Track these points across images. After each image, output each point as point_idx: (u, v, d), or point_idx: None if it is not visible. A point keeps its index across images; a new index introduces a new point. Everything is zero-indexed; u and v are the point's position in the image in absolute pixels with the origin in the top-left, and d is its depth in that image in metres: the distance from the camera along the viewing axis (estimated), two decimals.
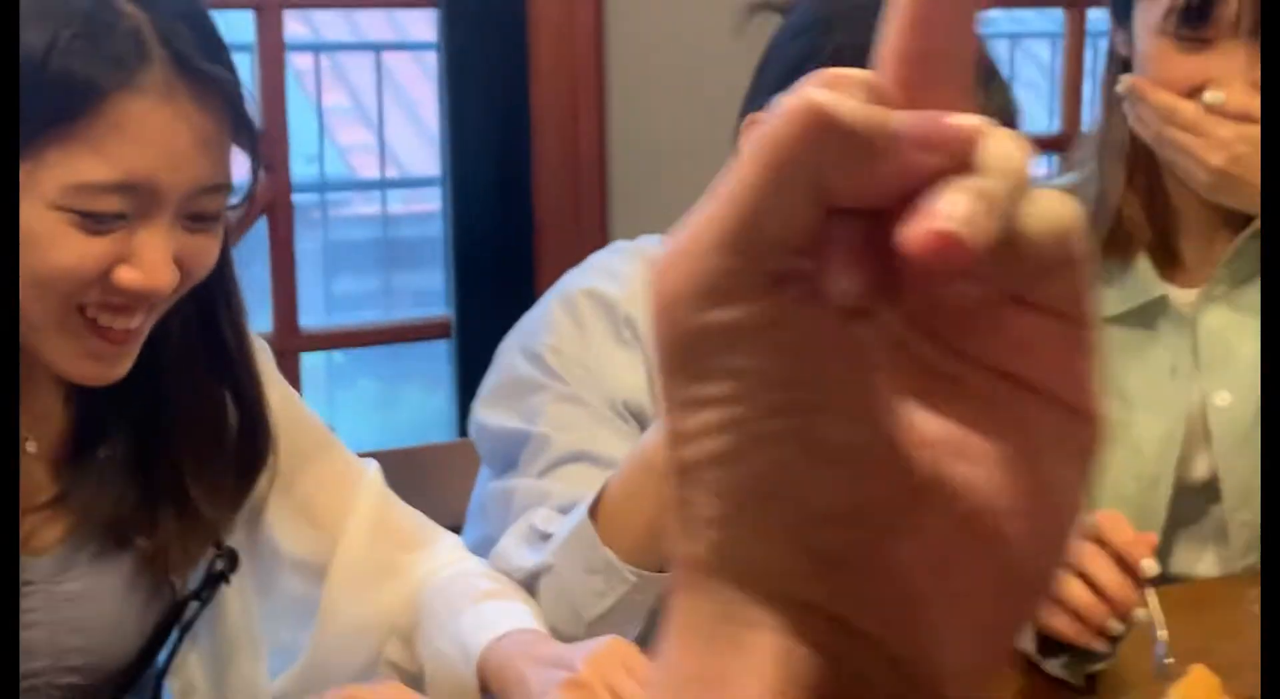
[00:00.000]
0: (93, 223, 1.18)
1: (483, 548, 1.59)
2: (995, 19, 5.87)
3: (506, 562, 1.49)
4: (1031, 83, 5.57)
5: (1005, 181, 0.39)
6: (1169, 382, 1.79)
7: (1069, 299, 0.42)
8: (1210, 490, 1.84)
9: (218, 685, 1.48)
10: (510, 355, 1.68)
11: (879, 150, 0.39)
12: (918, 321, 0.42)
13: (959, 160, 0.39)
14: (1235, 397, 1.76)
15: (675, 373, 0.41)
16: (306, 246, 4.48)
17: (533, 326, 1.68)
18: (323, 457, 1.49)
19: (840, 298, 0.41)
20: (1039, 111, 3.95)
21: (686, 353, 0.41)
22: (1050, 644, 1.50)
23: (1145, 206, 1.80)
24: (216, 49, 1.25)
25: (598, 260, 1.74)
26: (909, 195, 0.39)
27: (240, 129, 1.27)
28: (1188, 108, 1.63)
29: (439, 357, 3.19)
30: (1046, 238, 0.40)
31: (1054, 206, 0.41)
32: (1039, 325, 0.42)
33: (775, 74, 1.62)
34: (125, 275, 1.20)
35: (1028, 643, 1.52)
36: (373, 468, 1.53)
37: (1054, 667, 1.50)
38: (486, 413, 1.67)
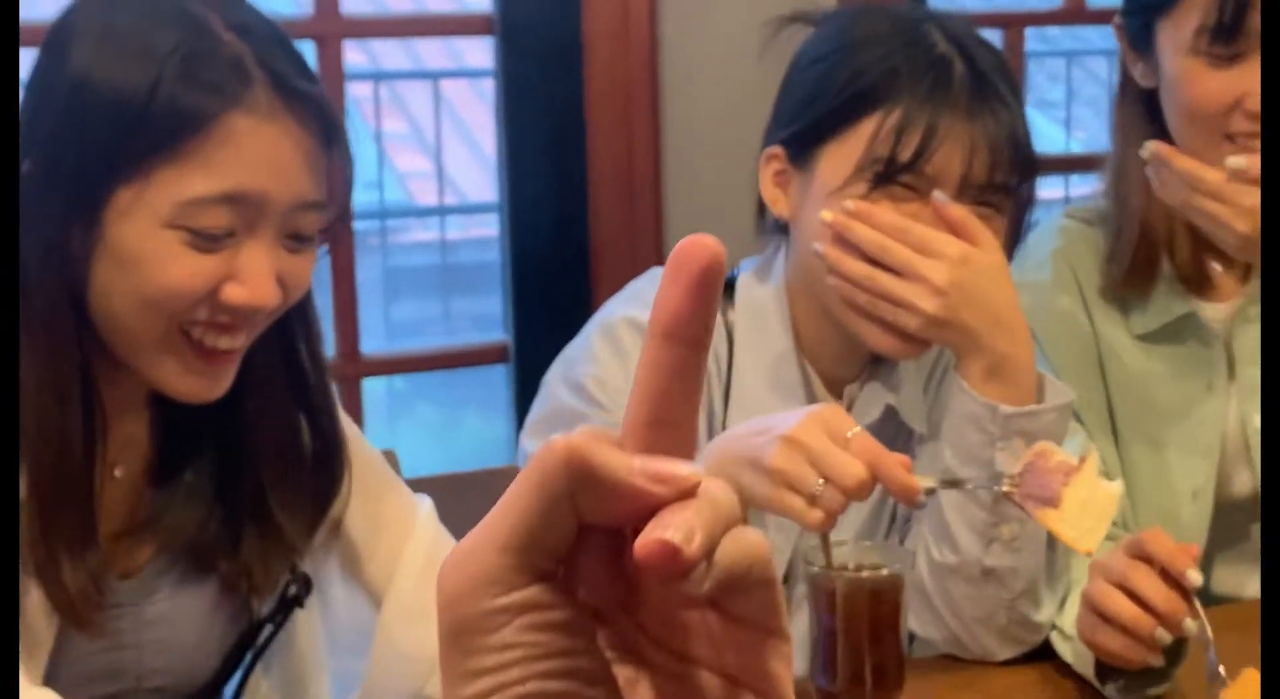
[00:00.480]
0: (202, 241, 1.24)
1: None
2: (1055, 36, 5.88)
3: None
4: (1091, 100, 5.57)
5: (715, 513, 0.51)
6: (1206, 397, 1.81)
7: (762, 612, 0.55)
8: (1254, 509, 1.83)
9: None
10: (554, 386, 1.70)
11: (621, 488, 0.52)
12: (646, 626, 0.55)
13: (684, 495, 0.52)
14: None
15: (456, 650, 0.53)
16: (367, 273, 4.55)
17: (575, 356, 1.70)
18: (383, 492, 1.53)
19: (585, 595, 0.54)
20: (1098, 128, 3.95)
21: (467, 633, 0.52)
22: (1107, 668, 1.52)
23: (1169, 225, 1.80)
24: (308, 71, 1.33)
25: (637, 287, 1.77)
26: (645, 518, 0.52)
27: (335, 145, 1.34)
28: (1213, 176, 1.63)
29: (498, 382, 3.23)
30: (741, 561, 0.53)
31: (750, 539, 0.53)
32: (739, 632, 0.55)
33: (794, 101, 1.66)
34: (233, 292, 1.26)
35: (1086, 668, 1.54)
36: (426, 505, 1.57)
37: (1113, 691, 1.51)
38: (532, 443, 1.69)
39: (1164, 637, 1.43)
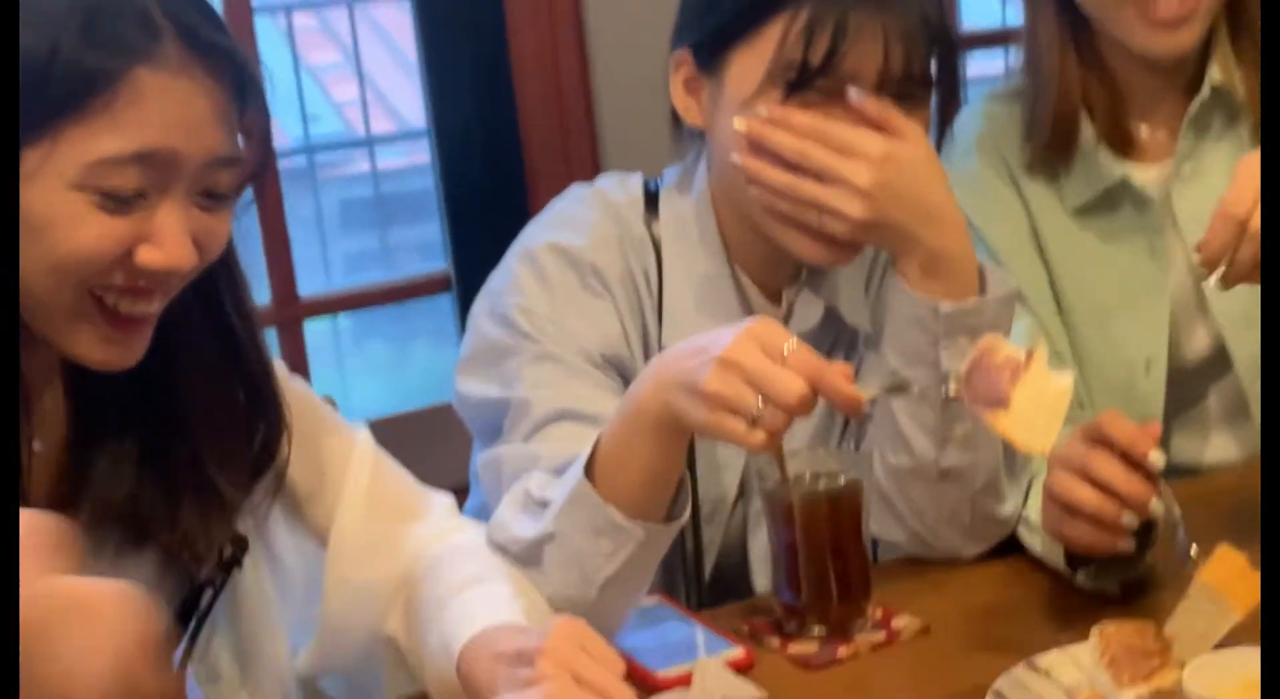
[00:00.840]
0: (113, 203, 1.19)
1: (482, 515, 1.57)
2: None
3: (506, 532, 1.47)
4: None
5: None
6: (1149, 262, 1.77)
7: None
8: (1211, 370, 1.82)
9: (245, 669, 1.48)
10: (480, 320, 1.65)
11: None
12: None
13: None
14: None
15: None
16: (308, 211, 4.46)
17: (498, 288, 1.65)
18: (321, 436, 1.48)
19: None
20: None
21: None
22: (1077, 557, 1.50)
23: (1088, 89, 1.77)
24: (218, 21, 1.27)
25: (557, 209, 1.71)
26: None
27: (250, 98, 1.28)
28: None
29: (445, 311, 3.19)
30: None
31: None
32: None
33: (696, 1, 1.60)
34: (147, 255, 1.21)
35: (1056, 559, 1.52)
36: (363, 435, 1.52)
37: (1084, 580, 1.49)
38: (465, 383, 1.65)
39: (1131, 521, 1.40)
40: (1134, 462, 1.39)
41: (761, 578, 1.66)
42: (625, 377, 1.59)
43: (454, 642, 1.29)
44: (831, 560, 1.46)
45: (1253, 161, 1.39)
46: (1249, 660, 1.22)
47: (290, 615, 1.50)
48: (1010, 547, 1.61)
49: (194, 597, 1.40)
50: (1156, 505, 1.38)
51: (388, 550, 1.46)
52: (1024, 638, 1.43)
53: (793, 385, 1.27)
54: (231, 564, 1.41)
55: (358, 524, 1.45)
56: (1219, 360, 1.81)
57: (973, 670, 1.37)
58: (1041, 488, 1.48)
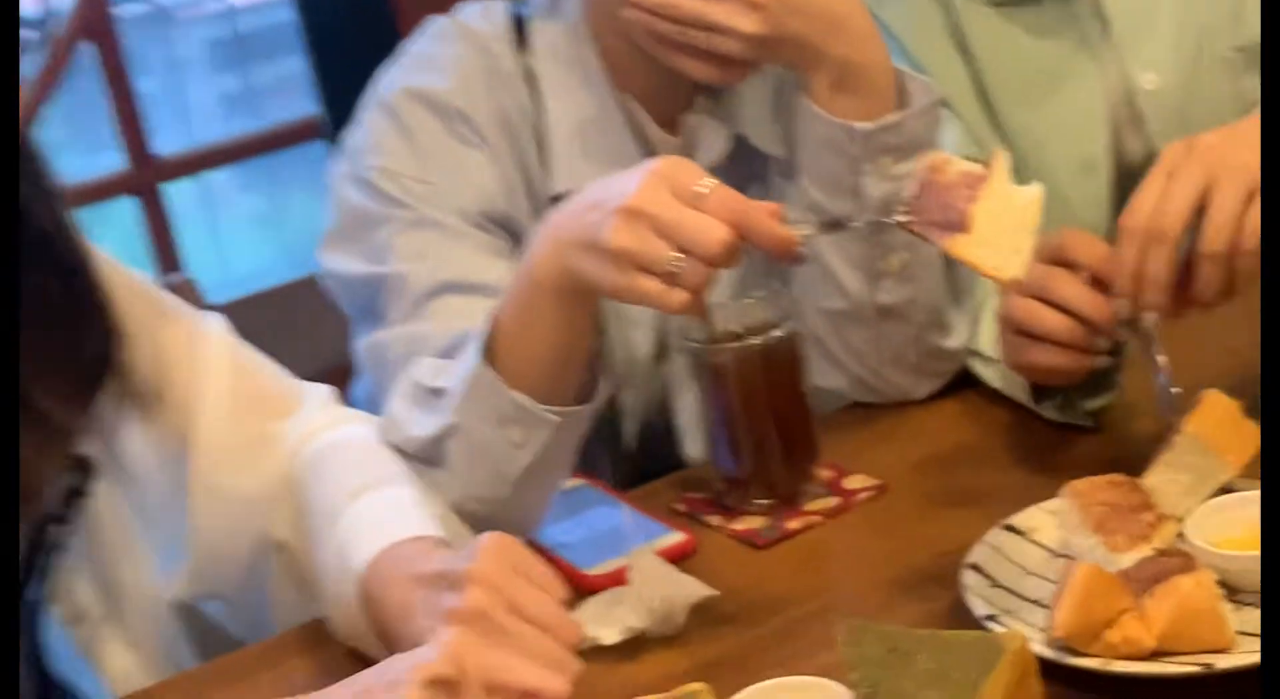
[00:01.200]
0: None
1: (373, 407, 1.37)
2: None
3: (401, 432, 1.28)
4: None
5: None
6: (1079, 54, 1.60)
7: None
8: None
9: (110, 605, 1.31)
10: (340, 186, 1.44)
11: None
12: None
13: None
14: (1162, 78, 1.59)
15: None
16: (154, 63, 4.18)
17: (356, 146, 1.44)
18: (159, 327, 1.28)
19: None
20: None
21: None
22: (1042, 388, 1.35)
23: None
24: None
25: (413, 50, 1.49)
26: None
27: None
28: None
29: (319, 157, 2.97)
30: None
31: None
32: None
33: None
34: None
35: (1017, 390, 1.38)
36: (217, 324, 1.32)
37: (1050, 410, 1.35)
38: (331, 258, 1.44)
39: (1103, 345, 1.26)
40: (1103, 285, 1.24)
41: (692, 445, 1.50)
42: (515, 235, 1.40)
43: (355, 557, 1.11)
44: (773, 423, 1.30)
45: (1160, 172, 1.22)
46: (1249, 505, 1.10)
47: (157, 538, 1.32)
48: (963, 382, 1.47)
49: (39, 533, 1.23)
50: (1125, 333, 1.24)
51: (260, 452, 1.27)
52: (989, 488, 1.29)
53: (713, 232, 1.08)
54: (77, 493, 1.22)
55: (222, 425, 1.26)
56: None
57: (939, 533, 1.23)
58: (995, 316, 1.33)
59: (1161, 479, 1.14)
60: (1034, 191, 1.14)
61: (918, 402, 1.45)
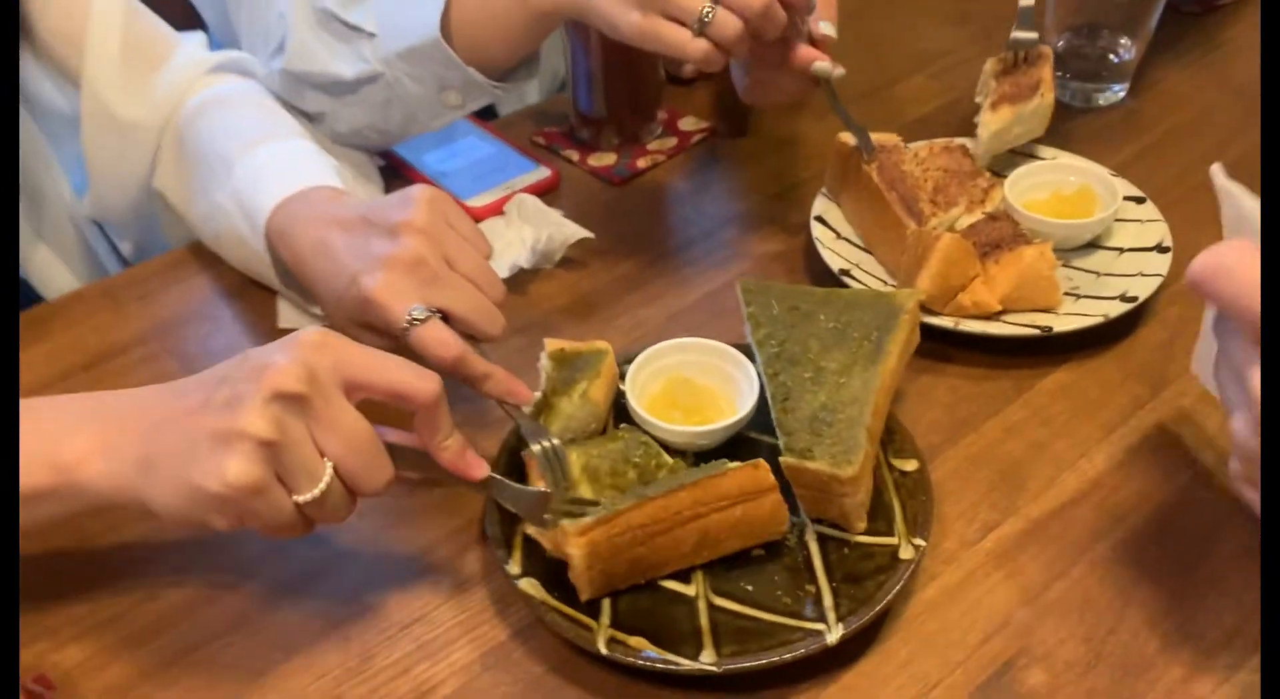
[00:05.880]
0: None
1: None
2: None
3: (316, 63, 0.96)
4: None
5: None
6: None
7: None
8: None
9: (34, 217, 1.02)
10: None
11: None
12: None
13: None
14: None
15: None
16: None
17: None
18: None
19: None
20: None
21: None
22: None
23: None
24: None
25: None
26: None
27: None
28: None
29: None
30: None
31: None
32: None
33: None
34: None
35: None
36: None
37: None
38: None
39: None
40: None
41: (548, 84, 1.27)
42: None
43: (259, 198, 0.85)
44: (627, 72, 1.10)
45: None
46: (1048, 170, 0.99)
47: (67, 160, 1.04)
48: None
49: None
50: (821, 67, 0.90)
51: (143, 94, 0.98)
52: (803, 127, 1.16)
53: None
54: None
55: (111, 67, 0.96)
56: None
57: (771, 174, 1.10)
58: None
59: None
60: None
61: None
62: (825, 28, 0.90)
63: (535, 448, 0.72)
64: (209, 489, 0.59)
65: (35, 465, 0.62)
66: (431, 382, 0.63)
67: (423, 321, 0.72)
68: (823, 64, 0.89)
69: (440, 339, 0.72)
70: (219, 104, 0.94)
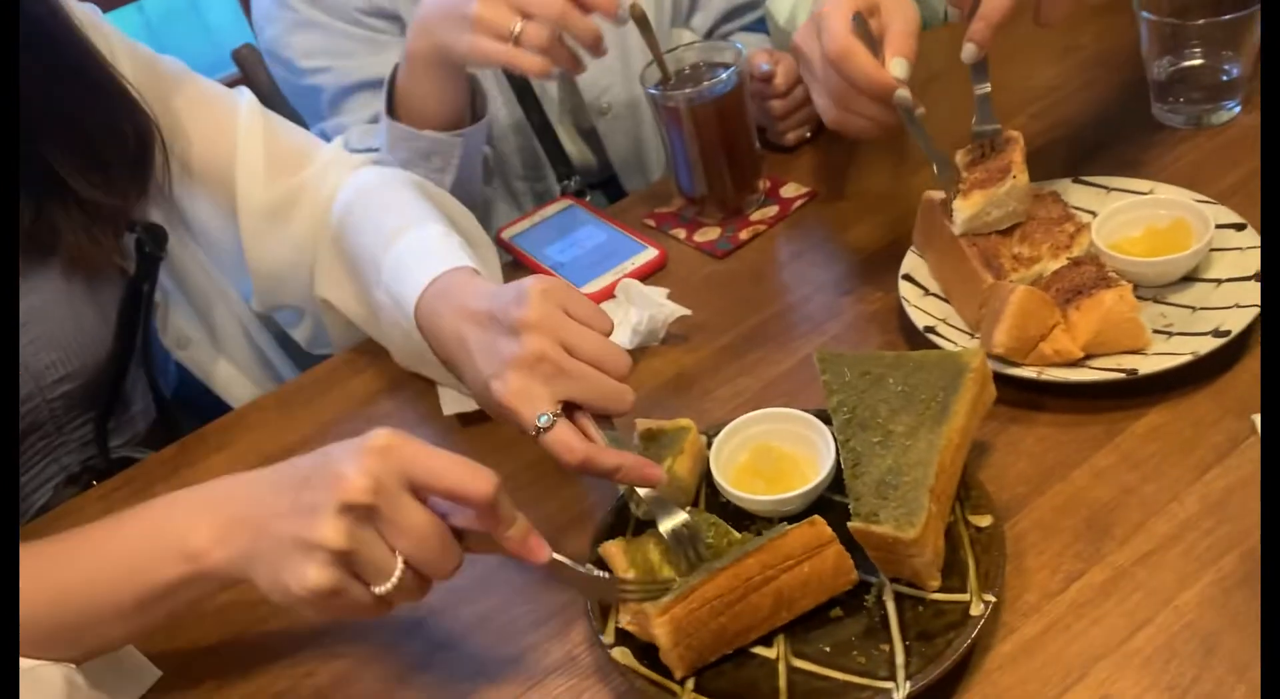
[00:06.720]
0: None
1: None
2: None
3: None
4: None
5: None
6: None
7: None
8: None
9: (208, 330, 1.17)
10: None
11: None
12: None
13: None
14: None
15: None
16: None
17: None
18: (196, 104, 1.07)
19: None
20: None
21: None
22: None
23: None
24: None
25: None
26: None
27: None
28: None
29: None
30: None
31: None
32: None
33: None
34: None
35: None
36: (246, 96, 1.11)
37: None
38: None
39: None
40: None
41: (654, 164, 1.34)
42: (399, 22, 1.26)
43: (405, 296, 0.91)
44: (722, 150, 1.12)
45: None
46: (1140, 206, 0.97)
47: (233, 274, 1.16)
48: None
49: (133, 297, 1.07)
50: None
51: (295, 200, 1.08)
52: (906, 191, 1.17)
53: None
54: (152, 258, 1.06)
55: (261, 189, 1.08)
56: None
57: (867, 236, 1.12)
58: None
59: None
60: None
61: None
62: (896, 68, 0.92)
63: (665, 528, 0.75)
64: (294, 591, 0.66)
65: (169, 559, 0.71)
66: (487, 483, 0.68)
67: (548, 428, 0.77)
68: (903, 93, 0.91)
69: (566, 444, 0.76)
70: (360, 203, 1.04)
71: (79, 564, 0.73)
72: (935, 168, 0.95)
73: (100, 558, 0.73)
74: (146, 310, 1.09)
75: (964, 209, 0.92)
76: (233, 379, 1.19)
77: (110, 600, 0.72)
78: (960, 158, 0.96)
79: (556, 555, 0.71)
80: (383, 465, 0.66)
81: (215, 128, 1.08)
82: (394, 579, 0.67)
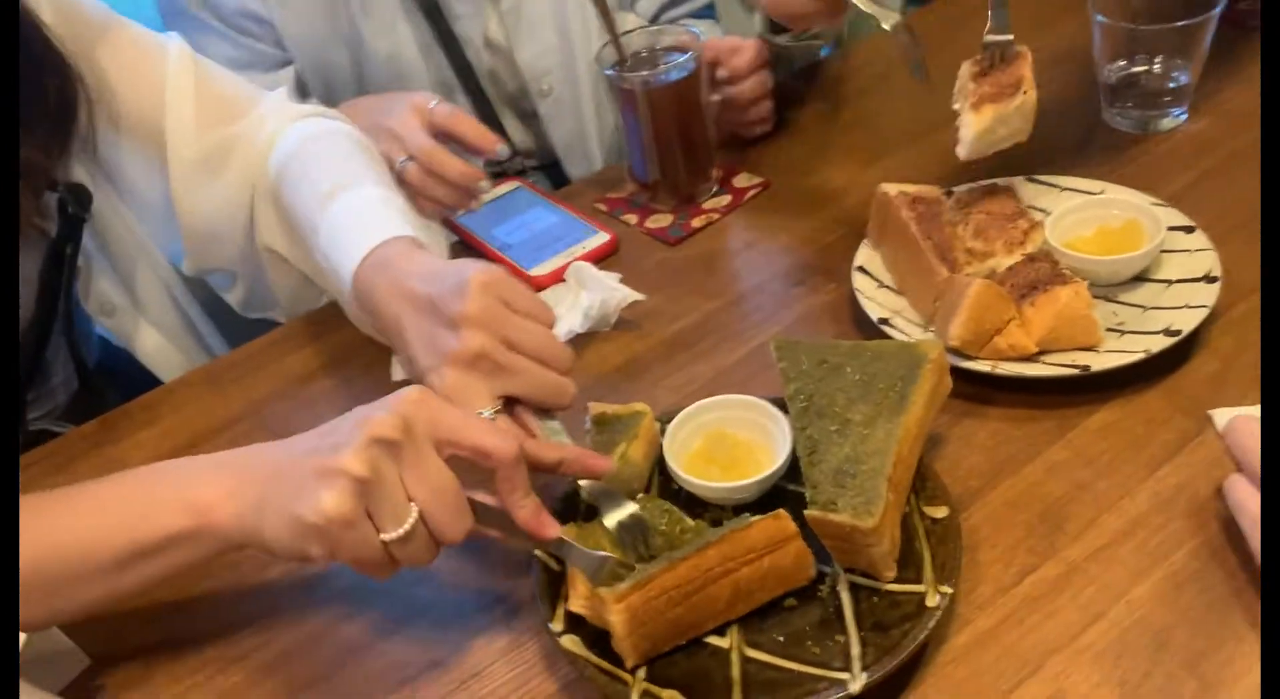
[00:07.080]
0: None
1: None
2: None
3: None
4: None
5: None
6: None
7: None
8: None
9: (132, 296, 1.11)
10: None
11: None
12: None
13: None
14: None
15: None
16: None
17: None
18: (123, 53, 1.01)
19: None
20: None
21: None
22: (774, 23, 1.13)
23: None
24: None
25: None
26: None
27: None
28: None
29: None
30: None
31: None
32: None
33: None
34: None
35: (759, 26, 1.16)
36: (175, 41, 1.05)
37: (785, 41, 1.14)
38: None
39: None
40: None
41: (597, 149, 1.32)
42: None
43: (342, 266, 0.87)
44: (677, 137, 1.12)
45: None
46: (1094, 205, 0.98)
47: (162, 235, 1.11)
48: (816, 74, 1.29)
49: (55, 258, 1.02)
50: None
51: (228, 159, 1.03)
52: (855, 177, 1.16)
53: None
54: (76, 219, 1.01)
55: (192, 139, 1.03)
56: None
57: (820, 227, 1.11)
58: None
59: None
60: None
61: (793, 103, 1.28)
62: None
63: (611, 521, 0.74)
64: (307, 519, 0.65)
65: (174, 509, 0.69)
66: (512, 443, 0.68)
67: None
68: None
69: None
70: (299, 155, 0.99)
71: (78, 510, 0.71)
72: (912, 69, 0.94)
73: (100, 504, 0.71)
74: (69, 274, 1.03)
75: (974, 124, 0.88)
76: (159, 348, 1.14)
77: (103, 549, 0.69)
78: (967, 69, 0.93)
79: (563, 534, 0.70)
80: (415, 412, 0.67)
81: (143, 78, 1.02)
82: (406, 525, 0.66)
